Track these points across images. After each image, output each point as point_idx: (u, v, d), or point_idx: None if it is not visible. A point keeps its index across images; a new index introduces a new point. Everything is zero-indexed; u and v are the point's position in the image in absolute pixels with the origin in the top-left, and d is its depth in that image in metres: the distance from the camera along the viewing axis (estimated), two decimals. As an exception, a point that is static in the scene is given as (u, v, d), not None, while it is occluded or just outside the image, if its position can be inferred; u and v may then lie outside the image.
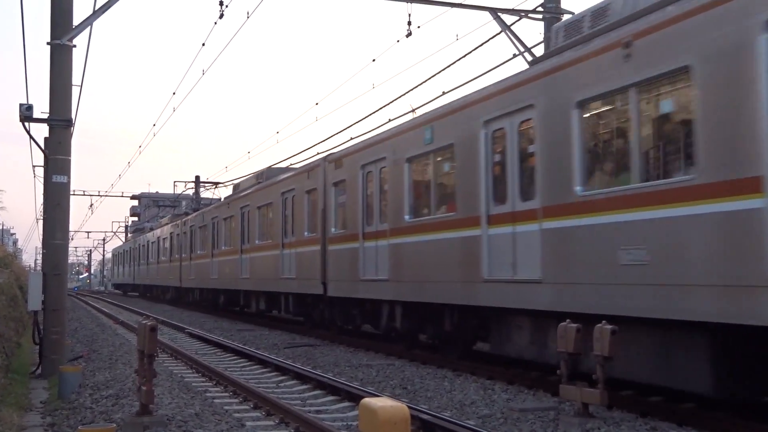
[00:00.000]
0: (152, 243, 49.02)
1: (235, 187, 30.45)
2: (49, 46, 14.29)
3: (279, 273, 21.79)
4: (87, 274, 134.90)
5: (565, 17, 16.98)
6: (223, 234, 29.38)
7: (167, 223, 44.60)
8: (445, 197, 13.48)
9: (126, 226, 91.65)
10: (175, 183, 58.91)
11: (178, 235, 39.52)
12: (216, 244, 30.57)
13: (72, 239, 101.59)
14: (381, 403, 5.01)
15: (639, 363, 8.92)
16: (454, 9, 17.50)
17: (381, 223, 15.63)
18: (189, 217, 37.80)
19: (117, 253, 75.88)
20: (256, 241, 24.49)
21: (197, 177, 50.05)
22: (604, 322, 8.53)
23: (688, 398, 9.70)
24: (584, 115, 9.86)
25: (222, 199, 34.93)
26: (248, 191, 26.19)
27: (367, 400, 5.15)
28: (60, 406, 10.53)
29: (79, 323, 26.51)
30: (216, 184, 47.94)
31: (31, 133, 14.90)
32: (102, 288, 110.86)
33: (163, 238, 44.50)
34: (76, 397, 10.86)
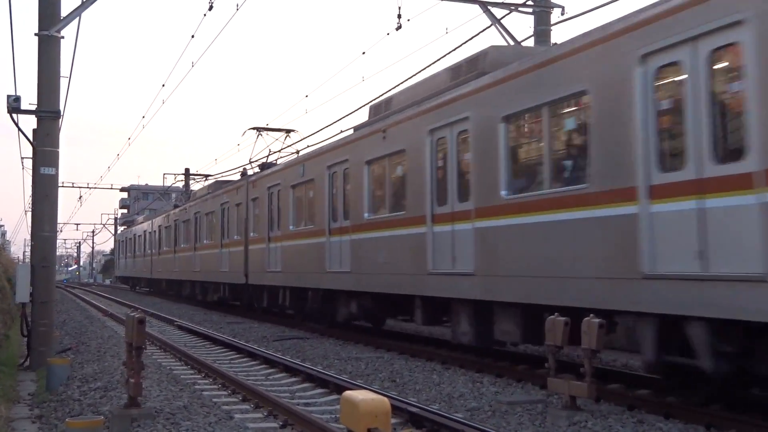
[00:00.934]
0: (183, 222, 34.76)
1: (367, 122, 16.87)
2: (36, 38, 14.23)
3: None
4: (76, 266, 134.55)
5: (555, 11, 17.00)
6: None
7: (210, 192, 30.75)
8: None
9: (115, 218, 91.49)
10: (165, 175, 57.69)
11: (238, 205, 25.68)
12: (338, 215, 17.29)
13: (61, 231, 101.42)
14: (362, 395, 4.99)
15: None
16: (444, 2, 17.50)
17: None
18: (266, 173, 22.92)
19: (124, 239, 59.34)
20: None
21: (187, 169, 49.97)
22: (591, 315, 8.57)
23: (676, 392, 9.77)
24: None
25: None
26: (397, 117, 14.52)
27: (348, 393, 5.14)
28: (48, 398, 10.52)
29: (67, 315, 26.48)
30: (288, 131, 29.97)
31: (19, 124, 14.91)
32: (91, 280, 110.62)
33: (206, 213, 30.43)
34: (65, 390, 10.87)
